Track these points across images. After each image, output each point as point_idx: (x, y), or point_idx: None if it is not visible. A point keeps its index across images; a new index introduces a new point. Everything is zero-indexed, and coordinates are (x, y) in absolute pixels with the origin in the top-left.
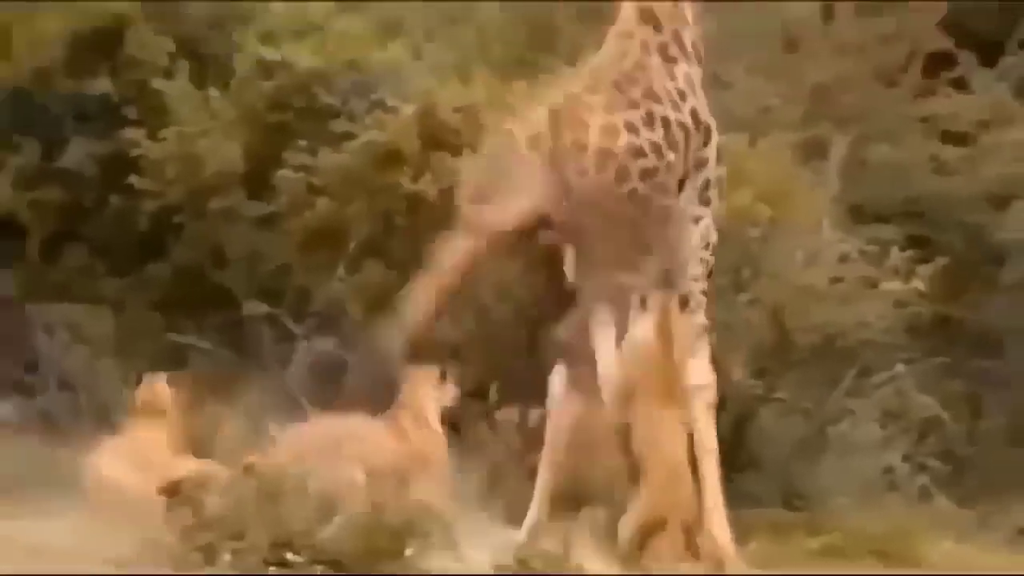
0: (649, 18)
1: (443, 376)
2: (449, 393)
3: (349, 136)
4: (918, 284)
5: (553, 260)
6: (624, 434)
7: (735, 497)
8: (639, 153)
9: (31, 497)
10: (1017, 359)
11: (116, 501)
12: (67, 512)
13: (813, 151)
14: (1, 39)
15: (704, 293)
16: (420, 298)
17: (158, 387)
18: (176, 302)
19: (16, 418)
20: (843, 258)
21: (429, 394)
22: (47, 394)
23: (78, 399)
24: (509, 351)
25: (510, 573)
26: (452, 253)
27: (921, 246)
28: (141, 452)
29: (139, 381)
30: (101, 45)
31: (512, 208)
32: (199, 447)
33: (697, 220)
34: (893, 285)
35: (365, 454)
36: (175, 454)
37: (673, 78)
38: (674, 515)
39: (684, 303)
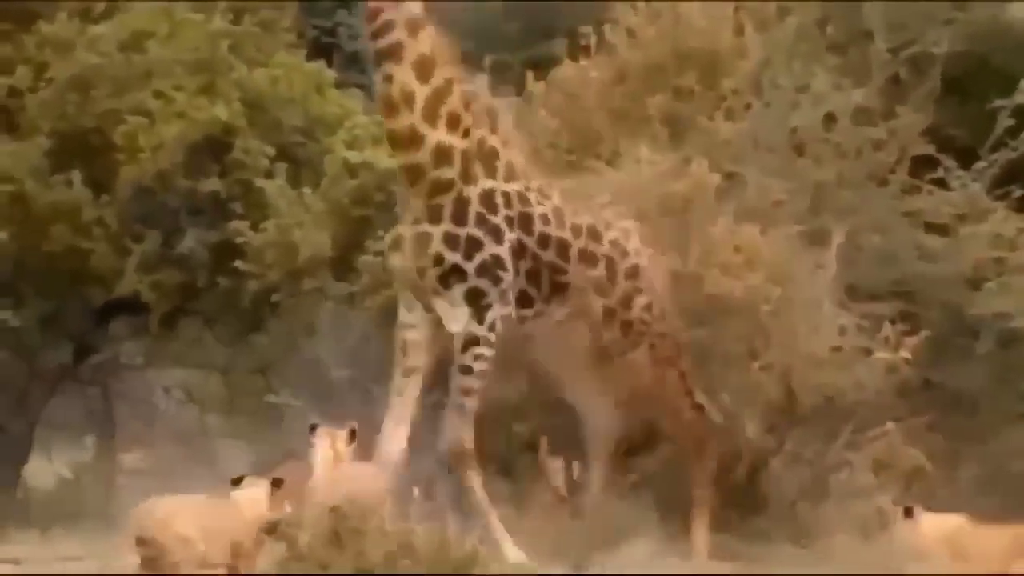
0: None
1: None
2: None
3: None
4: (905, 353)
5: None
6: None
7: (749, 535)
8: None
9: None
10: (990, 418)
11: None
12: None
13: (816, 239)
14: (129, 145)
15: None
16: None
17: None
18: (274, 368)
19: (143, 467)
20: (841, 330)
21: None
22: (166, 446)
23: (192, 451)
24: (556, 410)
25: None
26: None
27: (908, 321)
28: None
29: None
30: (212, 151)
31: None
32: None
33: None
34: (884, 354)
35: None
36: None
37: None
38: None
39: None
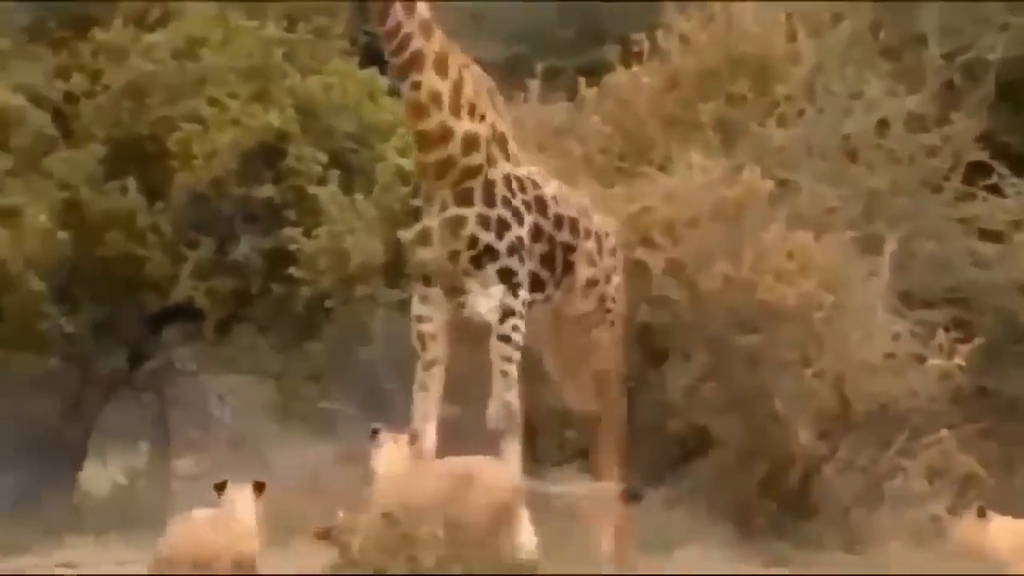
0: None
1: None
2: None
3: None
4: (959, 360)
5: None
6: None
7: (803, 542)
8: None
9: None
10: None
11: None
12: None
13: (869, 246)
14: (183, 152)
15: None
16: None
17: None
18: (327, 374)
19: (197, 472)
20: (895, 337)
21: None
22: (220, 452)
23: (245, 458)
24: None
25: None
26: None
27: (962, 328)
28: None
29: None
30: (265, 158)
31: None
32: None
33: None
34: (938, 361)
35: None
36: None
37: None
38: None
39: None
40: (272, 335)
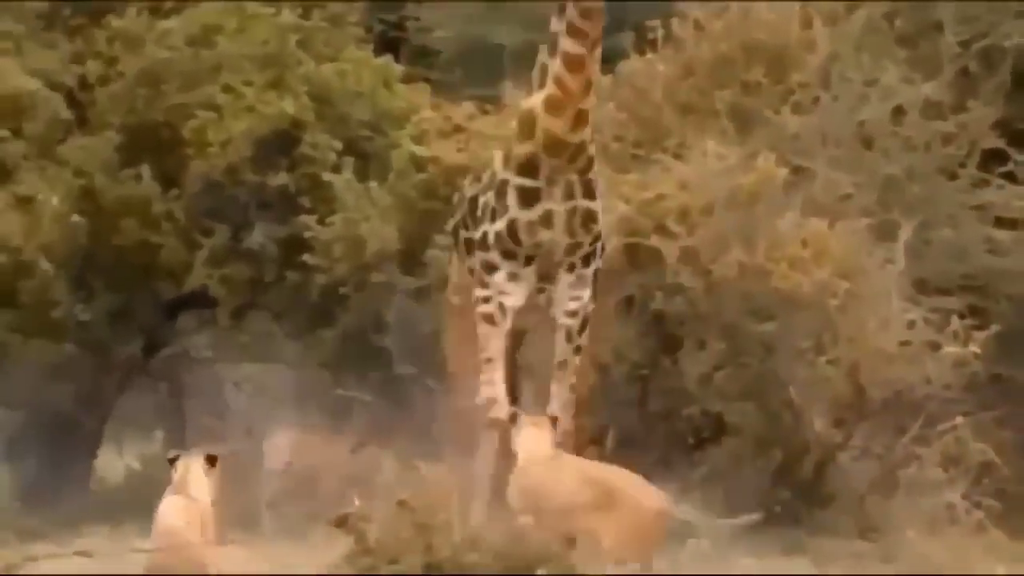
0: None
1: None
2: None
3: None
4: (975, 348)
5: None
6: None
7: (818, 529)
8: None
9: None
10: None
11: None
12: None
13: (884, 233)
14: (198, 140)
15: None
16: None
17: None
18: (342, 362)
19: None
20: (910, 325)
21: None
22: (235, 440)
23: (261, 446)
24: (624, 404)
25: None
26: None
27: (977, 315)
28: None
29: None
30: (280, 145)
31: None
32: (362, 486)
33: None
34: (953, 348)
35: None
36: None
37: None
38: None
39: None
40: (287, 323)
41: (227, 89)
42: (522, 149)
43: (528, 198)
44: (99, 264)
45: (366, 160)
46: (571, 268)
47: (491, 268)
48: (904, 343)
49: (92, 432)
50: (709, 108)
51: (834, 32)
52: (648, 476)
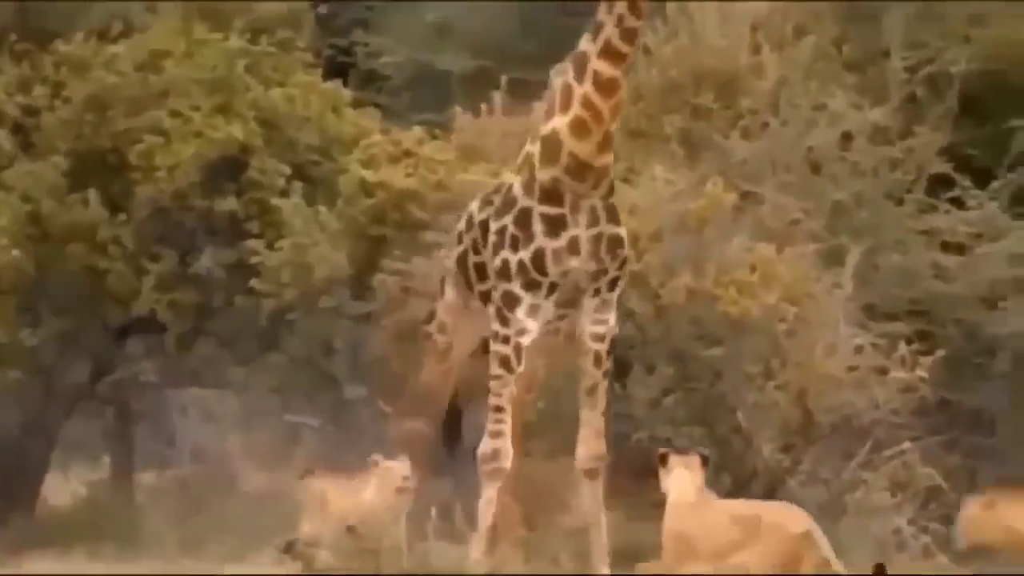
0: None
1: None
2: None
3: (437, 246)
4: (922, 372)
5: None
6: None
7: None
8: None
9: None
10: (1007, 437)
11: None
12: None
13: (832, 258)
14: (146, 164)
15: (493, 377)
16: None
17: None
18: (291, 387)
19: (161, 486)
20: (858, 350)
21: None
22: (182, 466)
23: (207, 470)
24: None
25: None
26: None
27: (924, 340)
28: None
29: None
30: (228, 170)
31: None
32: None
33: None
34: (900, 373)
35: None
36: None
37: None
38: None
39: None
40: (235, 348)
41: (175, 114)
42: (546, 174)
43: (554, 226)
44: (46, 289)
45: (314, 185)
46: (596, 293)
47: (512, 301)
48: (852, 368)
49: (39, 457)
50: (658, 133)
51: (783, 58)
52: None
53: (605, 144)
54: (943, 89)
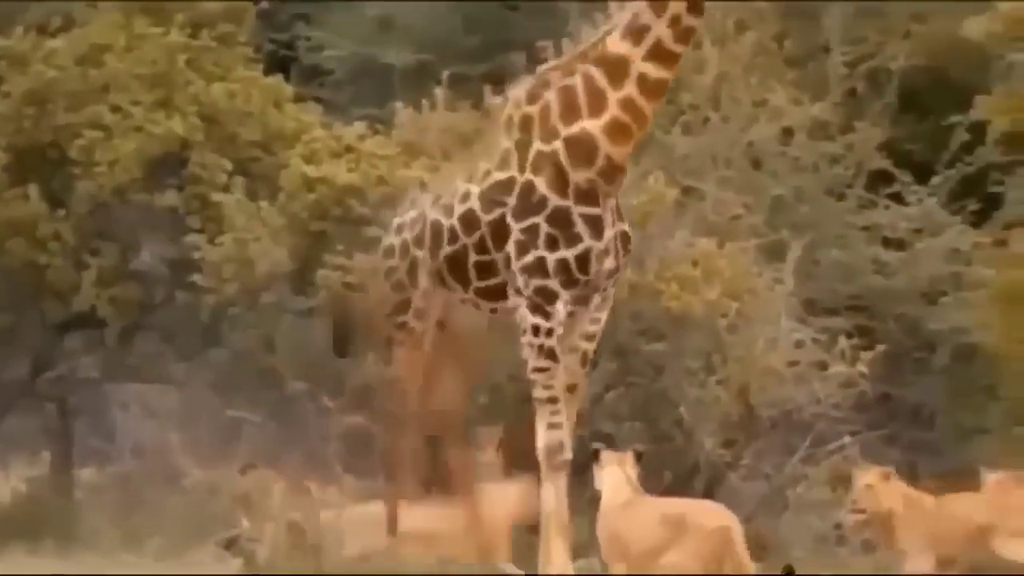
0: None
1: None
2: None
3: (379, 241)
4: (862, 367)
5: None
6: None
7: None
8: None
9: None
10: (946, 431)
11: None
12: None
13: (773, 253)
14: (86, 159)
15: (538, 370)
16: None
17: None
18: (232, 382)
19: (101, 482)
20: (798, 345)
21: None
22: (123, 461)
23: (148, 465)
24: (516, 424)
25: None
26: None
27: (865, 335)
28: None
29: None
30: (169, 165)
31: None
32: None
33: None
34: (841, 368)
35: None
36: None
37: None
38: None
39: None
40: (176, 343)
41: (115, 109)
42: (580, 176)
43: (596, 227)
44: None
45: (256, 180)
46: (604, 291)
47: (551, 296)
48: (793, 363)
49: None
50: None
51: (723, 53)
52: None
53: (636, 147)
54: (883, 85)
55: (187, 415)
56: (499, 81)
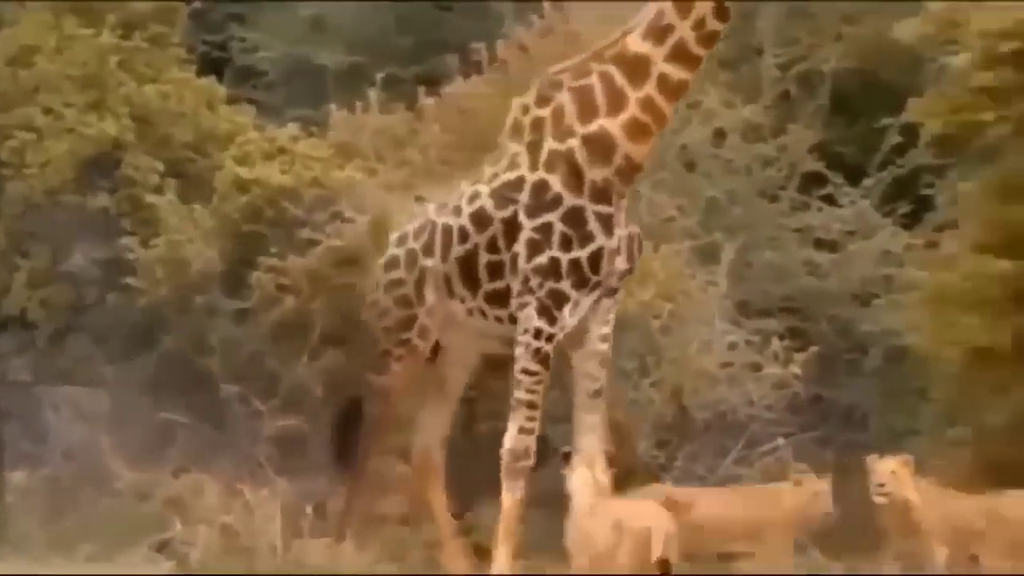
0: None
1: None
2: None
3: (313, 243)
4: (795, 369)
5: None
6: None
7: None
8: None
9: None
10: (879, 433)
11: None
12: None
13: (706, 255)
14: (17, 161)
15: (527, 373)
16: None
17: None
18: (164, 385)
19: (32, 485)
20: (732, 346)
21: None
22: (54, 464)
23: (80, 468)
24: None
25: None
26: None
27: (798, 337)
28: None
29: None
30: (101, 166)
31: None
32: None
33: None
34: (774, 370)
35: None
36: None
37: None
38: None
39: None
40: (108, 345)
41: (46, 110)
42: (597, 174)
43: (607, 225)
44: None
45: (189, 182)
46: (613, 293)
47: (561, 299)
48: (726, 364)
49: None
50: None
51: None
52: (475, 498)
53: (652, 146)
54: (815, 87)
55: (119, 418)
56: (433, 82)
